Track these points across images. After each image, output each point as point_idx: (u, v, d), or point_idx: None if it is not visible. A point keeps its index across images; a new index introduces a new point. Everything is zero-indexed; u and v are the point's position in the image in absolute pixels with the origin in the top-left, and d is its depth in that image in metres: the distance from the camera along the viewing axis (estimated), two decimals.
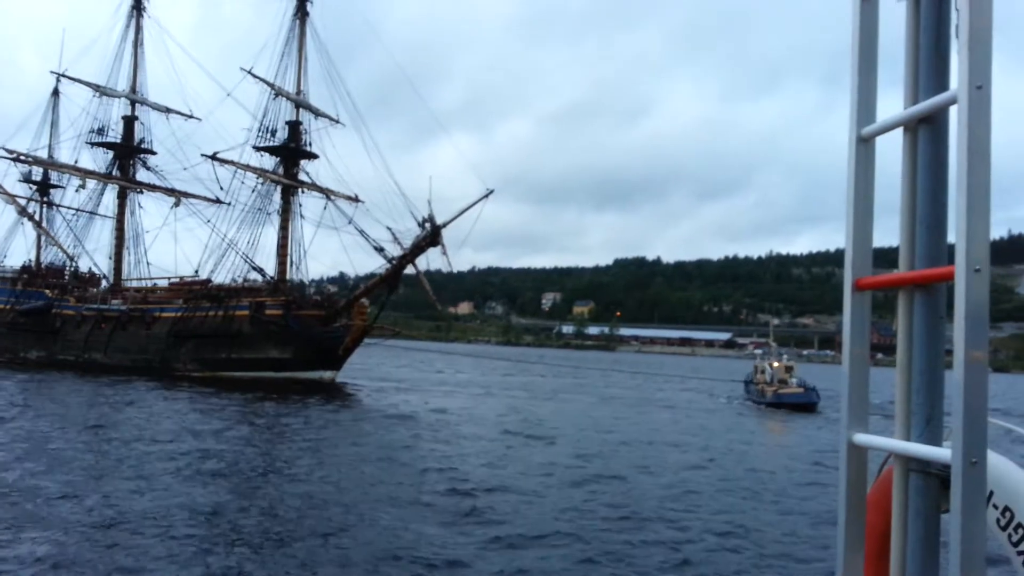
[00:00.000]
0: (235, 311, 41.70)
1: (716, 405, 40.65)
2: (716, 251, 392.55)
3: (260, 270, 44.41)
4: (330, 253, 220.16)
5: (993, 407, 1.26)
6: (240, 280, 44.28)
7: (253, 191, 44.37)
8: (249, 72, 42.67)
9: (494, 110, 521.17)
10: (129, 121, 53.47)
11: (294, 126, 45.68)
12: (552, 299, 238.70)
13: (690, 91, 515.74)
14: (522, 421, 27.55)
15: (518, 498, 14.22)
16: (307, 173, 45.80)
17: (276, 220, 45.13)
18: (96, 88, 52.54)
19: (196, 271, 46.15)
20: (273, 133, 45.03)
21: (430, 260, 40.93)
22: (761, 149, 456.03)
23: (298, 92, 45.62)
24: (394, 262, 40.63)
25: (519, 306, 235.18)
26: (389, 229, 41.42)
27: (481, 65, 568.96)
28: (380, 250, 41.36)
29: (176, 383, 36.49)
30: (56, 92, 58.95)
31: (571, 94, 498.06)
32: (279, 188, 45.14)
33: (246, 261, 44.25)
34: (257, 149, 44.76)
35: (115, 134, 53.56)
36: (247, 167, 43.70)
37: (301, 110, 45.95)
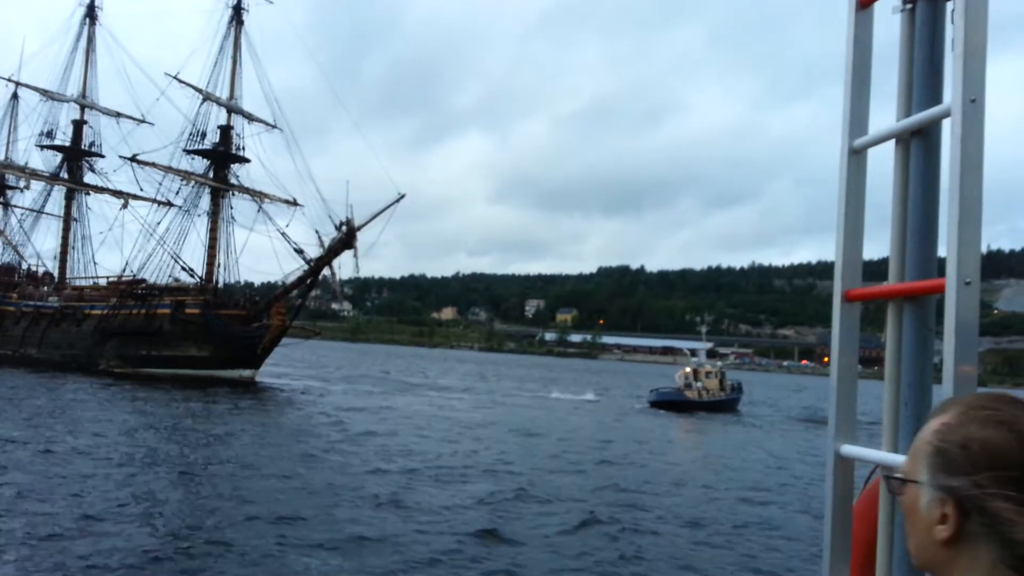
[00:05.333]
0: (157, 309, 43.00)
1: (627, 408, 41.96)
2: (710, 260, 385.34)
3: (189, 270, 45.81)
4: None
5: None
6: (169, 279, 45.66)
7: (177, 193, 45.81)
8: (175, 77, 44.14)
9: (513, 109, 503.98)
10: (78, 125, 55.16)
11: (225, 130, 47.13)
12: (536, 306, 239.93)
13: (721, 94, 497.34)
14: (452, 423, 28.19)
15: None
16: (237, 177, 47.23)
17: (206, 221, 46.57)
18: (44, 93, 54.24)
19: (124, 269, 47.47)
20: (204, 136, 46.51)
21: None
22: (782, 156, 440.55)
23: (231, 97, 47.06)
24: (311, 264, 42.02)
25: (503, 312, 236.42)
26: (316, 232, 42.84)
27: (505, 62, 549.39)
28: (300, 252, 42.78)
29: (98, 379, 37.61)
30: (15, 96, 60.84)
31: (594, 95, 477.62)
32: (208, 190, 46.53)
33: (176, 260, 45.70)
34: (187, 152, 46.20)
35: (65, 137, 55.34)
36: (168, 169, 45.12)
37: (233, 115, 47.40)
